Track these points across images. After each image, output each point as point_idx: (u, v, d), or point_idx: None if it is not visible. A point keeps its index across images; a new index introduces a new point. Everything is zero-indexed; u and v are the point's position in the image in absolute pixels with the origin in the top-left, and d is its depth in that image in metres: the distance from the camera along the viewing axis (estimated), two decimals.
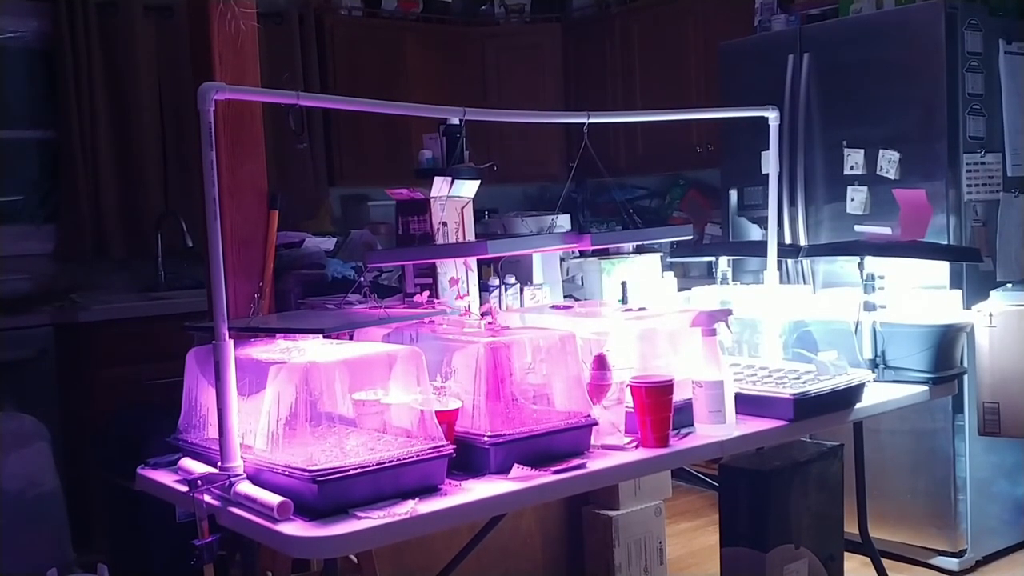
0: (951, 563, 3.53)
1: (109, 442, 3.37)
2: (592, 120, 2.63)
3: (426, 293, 2.51)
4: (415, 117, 4.33)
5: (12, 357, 3.85)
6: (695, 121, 4.71)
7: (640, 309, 2.50)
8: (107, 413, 3.62)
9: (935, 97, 3.45)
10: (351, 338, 2.27)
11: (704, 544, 3.79)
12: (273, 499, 1.72)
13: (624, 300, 2.83)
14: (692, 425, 2.22)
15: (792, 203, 3.83)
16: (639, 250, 3.23)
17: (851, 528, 2.91)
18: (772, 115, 3.05)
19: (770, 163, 3.16)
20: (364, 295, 2.60)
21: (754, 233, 4.07)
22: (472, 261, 2.69)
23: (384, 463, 1.78)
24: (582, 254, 3.12)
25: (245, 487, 1.81)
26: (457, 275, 2.65)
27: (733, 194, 4.13)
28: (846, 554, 2.86)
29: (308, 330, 2.09)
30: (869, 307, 2.78)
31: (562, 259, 3.06)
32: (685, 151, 4.86)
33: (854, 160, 3.66)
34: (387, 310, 2.31)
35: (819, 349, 2.62)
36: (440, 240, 2.64)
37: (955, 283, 3.37)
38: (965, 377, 3.14)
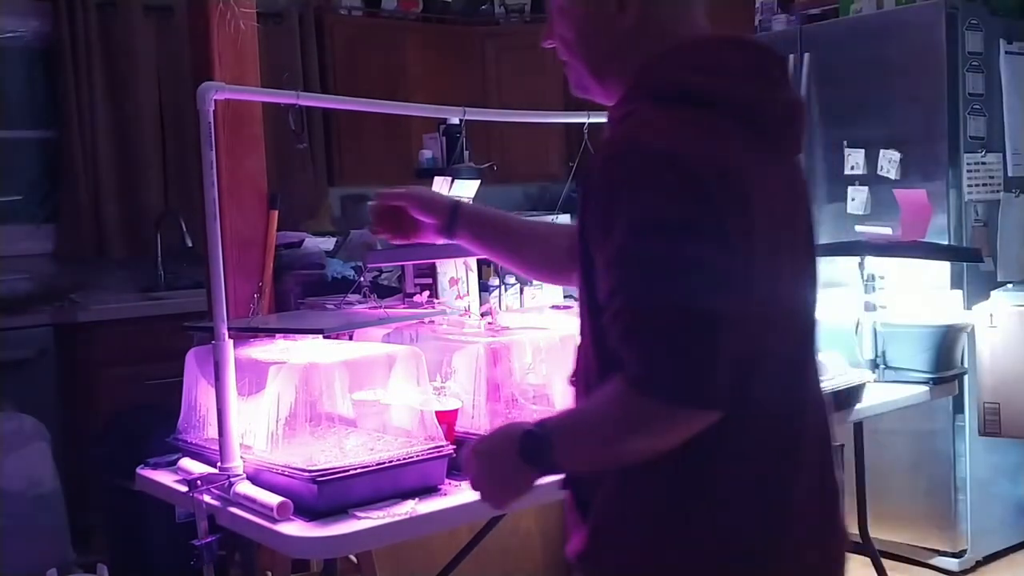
0: (951, 563, 3.52)
1: (109, 442, 3.37)
2: (592, 120, 2.63)
3: (426, 293, 2.51)
4: (415, 117, 4.33)
5: (12, 357, 3.84)
6: None
7: None
8: (107, 413, 3.61)
9: (936, 97, 3.45)
10: (351, 338, 2.26)
11: None
12: (273, 499, 1.72)
13: None
14: None
15: None
16: None
17: (851, 528, 2.91)
18: None
19: None
20: (364, 295, 2.60)
21: None
22: (472, 261, 2.68)
23: (384, 463, 1.77)
24: None
25: (245, 487, 1.80)
26: (457, 275, 2.64)
27: None
28: (846, 554, 2.86)
29: (308, 330, 2.08)
30: (869, 307, 2.78)
31: None
32: None
33: (855, 160, 3.66)
34: (387, 310, 2.30)
35: (819, 349, 2.62)
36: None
37: (956, 283, 3.37)
38: (966, 377, 3.14)
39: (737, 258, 1.15)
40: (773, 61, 1.29)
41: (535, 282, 2.90)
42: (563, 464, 1.27)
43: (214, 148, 1.87)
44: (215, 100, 1.90)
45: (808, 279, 1.31)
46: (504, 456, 1.27)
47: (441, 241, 1.65)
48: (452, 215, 1.62)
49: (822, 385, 1.36)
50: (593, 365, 1.27)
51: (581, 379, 1.32)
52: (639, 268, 1.15)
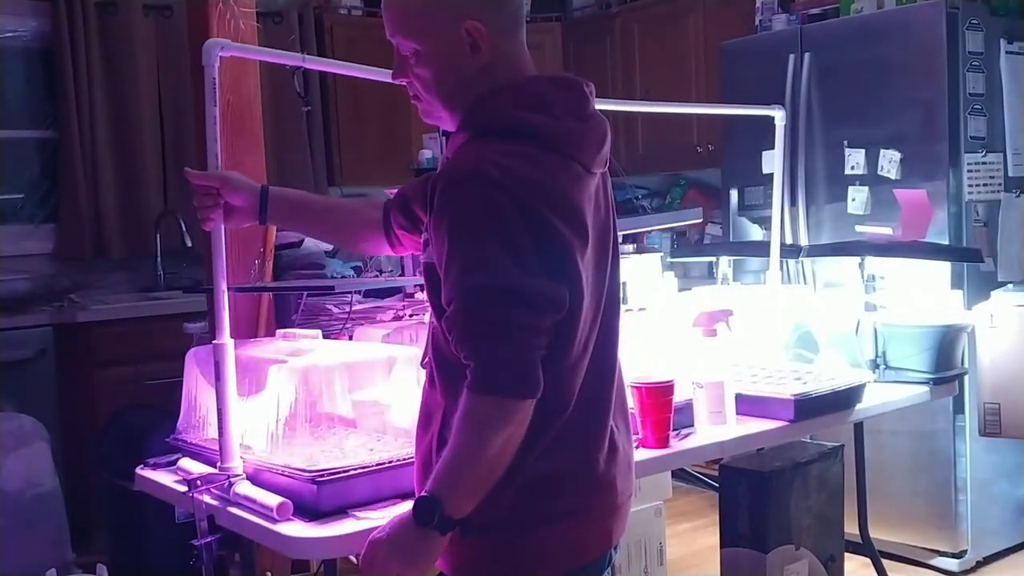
0: (951, 564, 3.52)
1: (109, 442, 3.37)
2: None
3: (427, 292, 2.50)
4: (415, 117, 4.32)
5: (12, 357, 3.84)
6: (696, 121, 4.70)
7: (640, 309, 2.50)
8: (107, 413, 3.61)
9: (936, 97, 3.45)
10: (350, 338, 2.26)
11: (704, 545, 3.78)
12: (272, 500, 1.72)
13: (624, 300, 2.83)
14: (692, 425, 2.22)
15: (793, 203, 3.83)
16: (639, 250, 3.23)
17: (851, 529, 2.91)
18: (778, 114, 3.04)
19: (775, 163, 3.16)
20: (364, 295, 2.60)
21: (754, 233, 4.07)
22: None
23: (384, 464, 1.77)
24: None
25: (244, 487, 1.80)
26: None
27: (734, 194, 4.12)
28: (846, 555, 2.86)
29: (316, 287, 2.08)
30: (870, 307, 2.78)
31: None
32: (686, 151, 4.85)
33: (855, 160, 3.66)
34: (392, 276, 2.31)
35: (820, 349, 2.62)
36: None
37: (956, 283, 3.36)
38: (966, 377, 3.14)
39: (559, 270, 1.39)
40: (585, 96, 1.54)
41: None
42: (457, 510, 1.39)
43: (217, 104, 1.87)
44: (220, 56, 1.87)
45: (615, 268, 1.56)
46: (405, 534, 1.40)
47: (255, 223, 1.80)
48: (262, 198, 1.77)
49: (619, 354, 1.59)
50: (443, 348, 1.45)
51: (430, 362, 1.52)
52: (468, 283, 1.37)
